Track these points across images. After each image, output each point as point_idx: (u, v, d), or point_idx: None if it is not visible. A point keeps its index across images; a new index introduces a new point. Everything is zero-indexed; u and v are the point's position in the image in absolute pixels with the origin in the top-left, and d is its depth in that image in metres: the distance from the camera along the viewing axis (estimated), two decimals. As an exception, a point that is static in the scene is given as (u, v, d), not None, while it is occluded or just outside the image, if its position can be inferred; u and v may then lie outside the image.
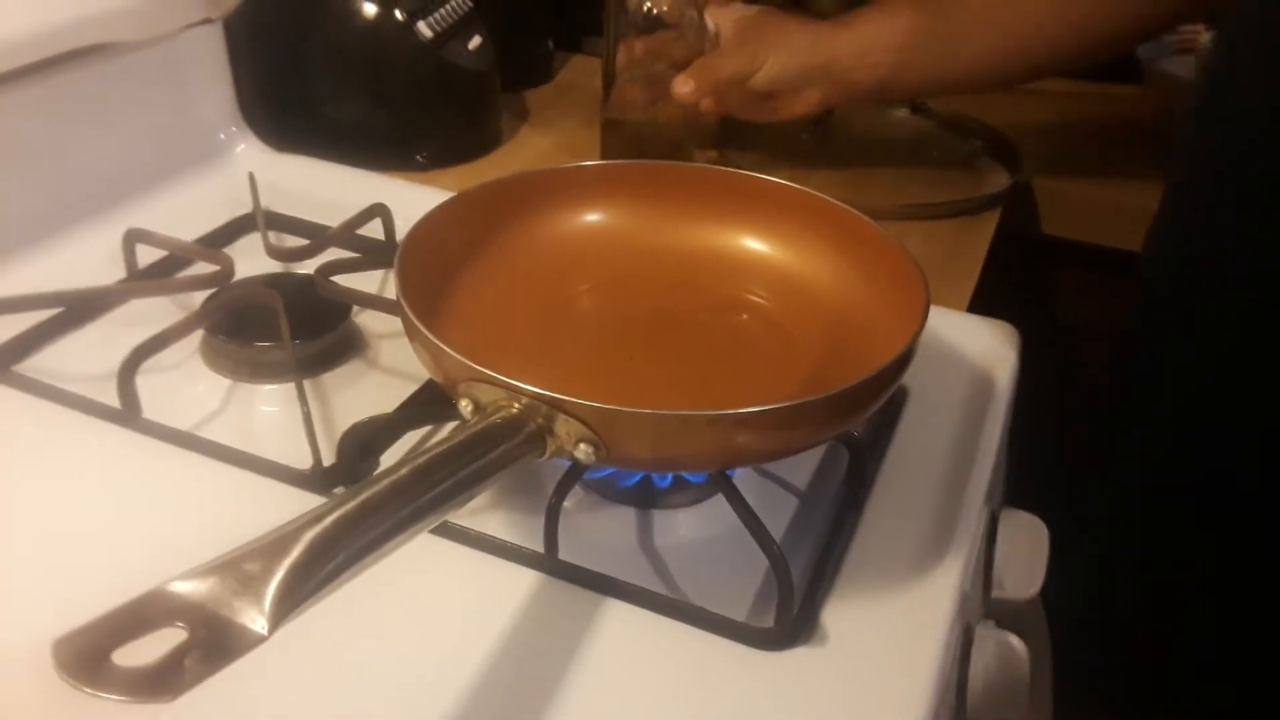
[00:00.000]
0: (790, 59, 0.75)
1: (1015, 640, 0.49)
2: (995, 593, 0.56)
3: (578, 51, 1.08)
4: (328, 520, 0.33)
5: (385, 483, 0.35)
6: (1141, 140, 0.96)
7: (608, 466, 0.47)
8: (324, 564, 0.31)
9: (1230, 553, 0.65)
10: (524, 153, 0.88)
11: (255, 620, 0.29)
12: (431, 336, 0.44)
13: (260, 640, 0.28)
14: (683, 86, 0.76)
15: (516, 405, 0.41)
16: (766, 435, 0.43)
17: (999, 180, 0.87)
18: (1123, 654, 0.71)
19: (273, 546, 0.31)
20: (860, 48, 0.75)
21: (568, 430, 0.41)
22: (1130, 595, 0.71)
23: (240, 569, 0.30)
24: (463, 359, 0.43)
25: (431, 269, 0.53)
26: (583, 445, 0.41)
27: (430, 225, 0.53)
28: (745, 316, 0.57)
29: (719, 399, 0.49)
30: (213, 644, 0.28)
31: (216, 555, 0.44)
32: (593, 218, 0.60)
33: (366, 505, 0.34)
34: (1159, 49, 1.05)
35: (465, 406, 0.43)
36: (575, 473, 0.47)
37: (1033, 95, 1.02)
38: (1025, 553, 0.58)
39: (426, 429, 0.54)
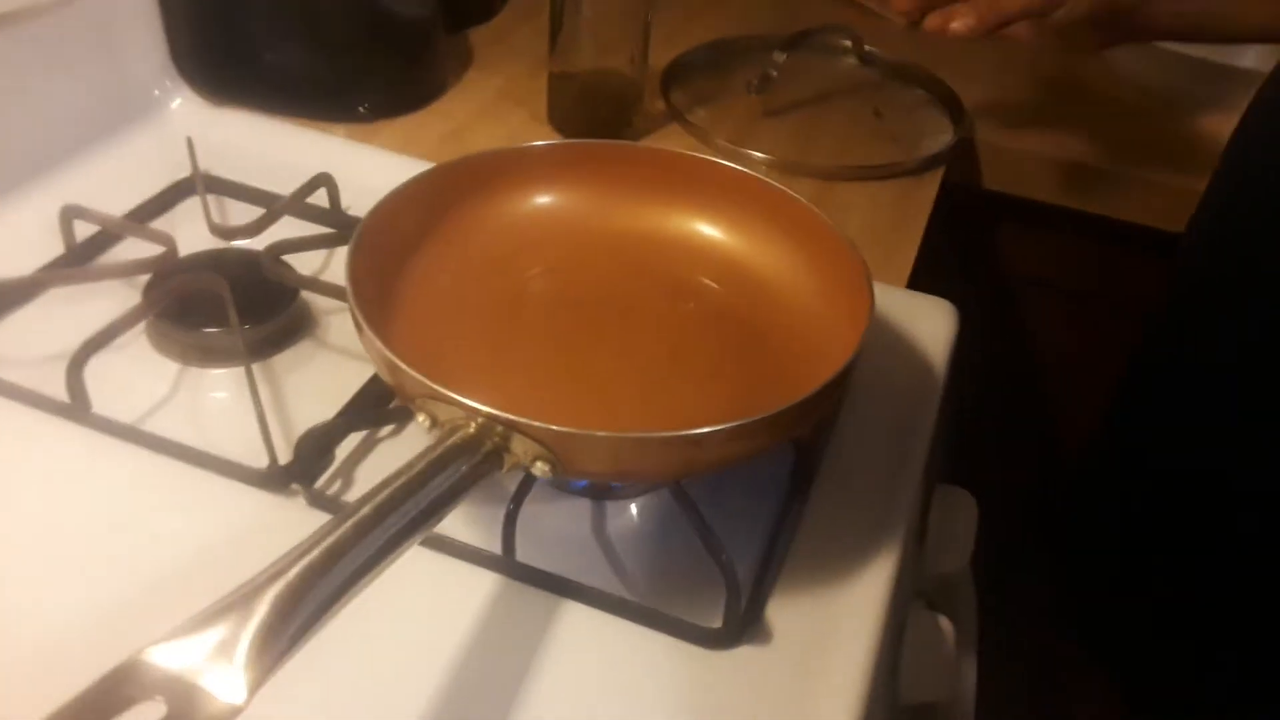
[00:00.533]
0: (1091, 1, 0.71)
1: (944, 621, 0.52)
2: (928, 566, 0.59)
3: (522, -19, 1.05)
4: (292, 573, 0.34)
5: (349, 524, 0.36)
6: (1087, 94, 0.97)
7: (564, 479, 0.48)
8: (292, 620, 0.32)
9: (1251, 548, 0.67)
10: (468, 102, 0.86)
11: (233, 689, 0.30)
12: (388, 352, 0.44)
13: (237, 710, 0.29)
14: (961, 22, 0.72)
15: (473, 424, 0.42)
16: (718, 450, 0.44)
17: (943, 136, 0.87)
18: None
19: (240, 605, 0.32)
20: None
21: (524, 448, 0.42)
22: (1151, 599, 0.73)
23: (211, 633, 0.31)
24: (420, 377, 0.43)
25: (383, 257, 0.53)
26: (539, 462, 0.43)
27: (380, 216, 0.53)
28: (694, 305, 0.57)
29: (671, 403, 0.51)
30: (192, 716, 0.29)
31: (178, 563, 0.45)
32: (544, 199, 0.60)
33: (332, 551, 0.35)
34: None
35: (423, 421, 0.44)
36: (531, 479, 0.48)
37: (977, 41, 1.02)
38: (956, 526, 0.61)
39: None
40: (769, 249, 0.58)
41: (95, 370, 0.53)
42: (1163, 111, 0.95)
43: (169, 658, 0.30)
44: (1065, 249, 0.95)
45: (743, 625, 0.46)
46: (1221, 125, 0.92)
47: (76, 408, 0.52)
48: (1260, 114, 0.66)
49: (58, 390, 0.52)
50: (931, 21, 0.79)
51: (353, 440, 0.53)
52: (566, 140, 0.75)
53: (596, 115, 0.82)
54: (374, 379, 0.56)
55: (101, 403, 0.53)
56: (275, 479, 0.50)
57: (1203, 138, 0.92)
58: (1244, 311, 0.64)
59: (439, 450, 0.41)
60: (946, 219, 0.85)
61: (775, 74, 0.87)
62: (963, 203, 0.90)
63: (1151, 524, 0.72)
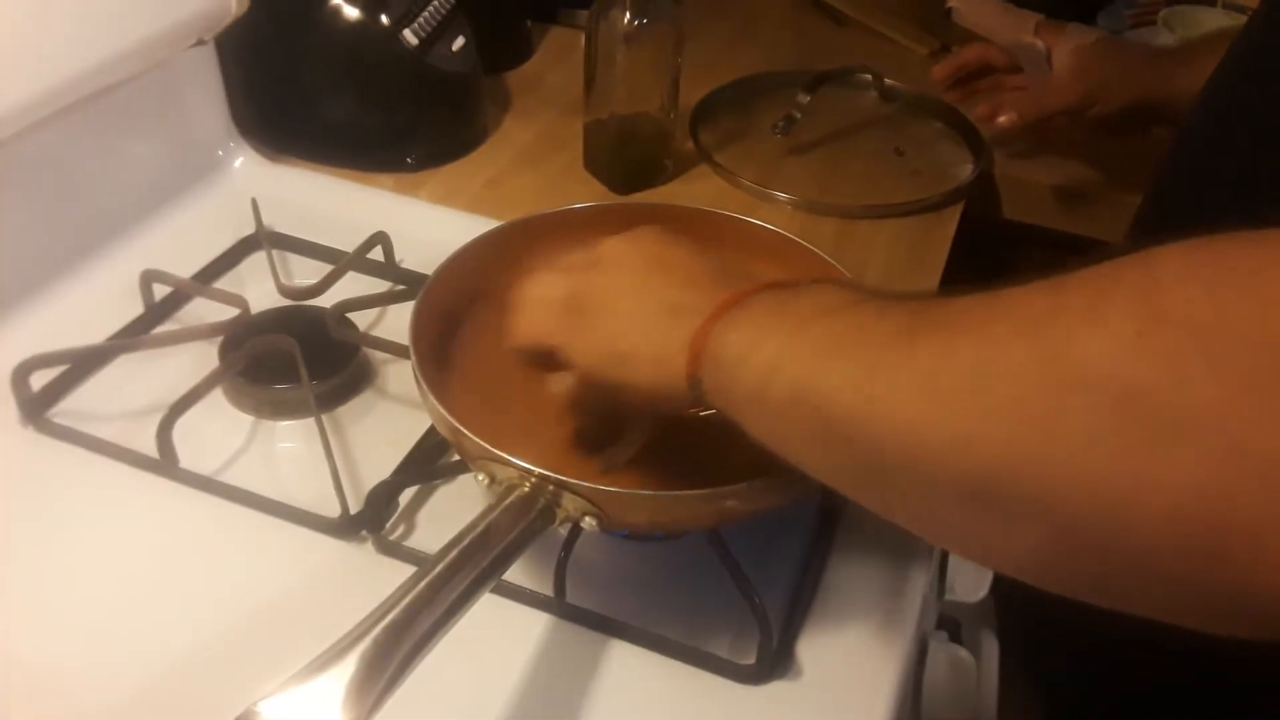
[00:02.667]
0: (1125, 98, 0.76)
1: (964, 653, 0.56)
2: (947, 596, 0.63)
3: (554, 23, 1.10)
4: (377, 630, 0.38)
5: (425, 582, 0.41)
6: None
7: (610, 531, 0.52)
8: (380, 674, 0.37)
9: None
10: (508, 149, 0.91)
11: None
12: (450, 417, 0.49)
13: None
14: (1006, 118, 0.80)
15: (528, 484, 0.47)
16: (749, 503, 0.48)
17: (963, 169, 0.91)
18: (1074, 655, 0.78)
19: (334, 661, 0.37)
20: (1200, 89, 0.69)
21: (574, 505, 0.47)
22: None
23: (311, 687, 0.36)
24: (480, 441, 0.48)
25: (440, 319, 0.58)
26: (588, 518, 0.47)
27: (438, 283, 0.57)
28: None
29: (706, 454, 0.55)
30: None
31: (259, 609, 0.50)
32: (584, 258, 0.65)
33: (411, 608, 0.40)
34: (1117, 22, 1.09)
35: (481, 479, 0.49)
36: (580, 529, 0.53)
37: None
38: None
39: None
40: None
41: (178, 425, 0.58)
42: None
43: (277, 711, 0.35)
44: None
45: (774, 662, 0.50)
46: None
47: (165, 464, 0.57)
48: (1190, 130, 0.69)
49: (146, 446, 0.58)
50: (982, 111, 0.89)
51: (414, 487, 0.58)
52: (605, 202, 0.79)
53: (630, 160, 0.87)
54: (432, 429, 0.60)
55: (184, 456, 0.58)
56: (347, 527, 0.55)
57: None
58: None
59: (499, 509, 0.46)
60: (967, 248, 0.88)
61: (799, 115, 0.91)
62: (982, 230, 0.94)
63: None
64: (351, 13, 0.80)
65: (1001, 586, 0.63)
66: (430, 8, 0.84)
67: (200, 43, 0.74)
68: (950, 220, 0.86)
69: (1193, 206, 0.63)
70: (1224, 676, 0.70)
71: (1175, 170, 0.66)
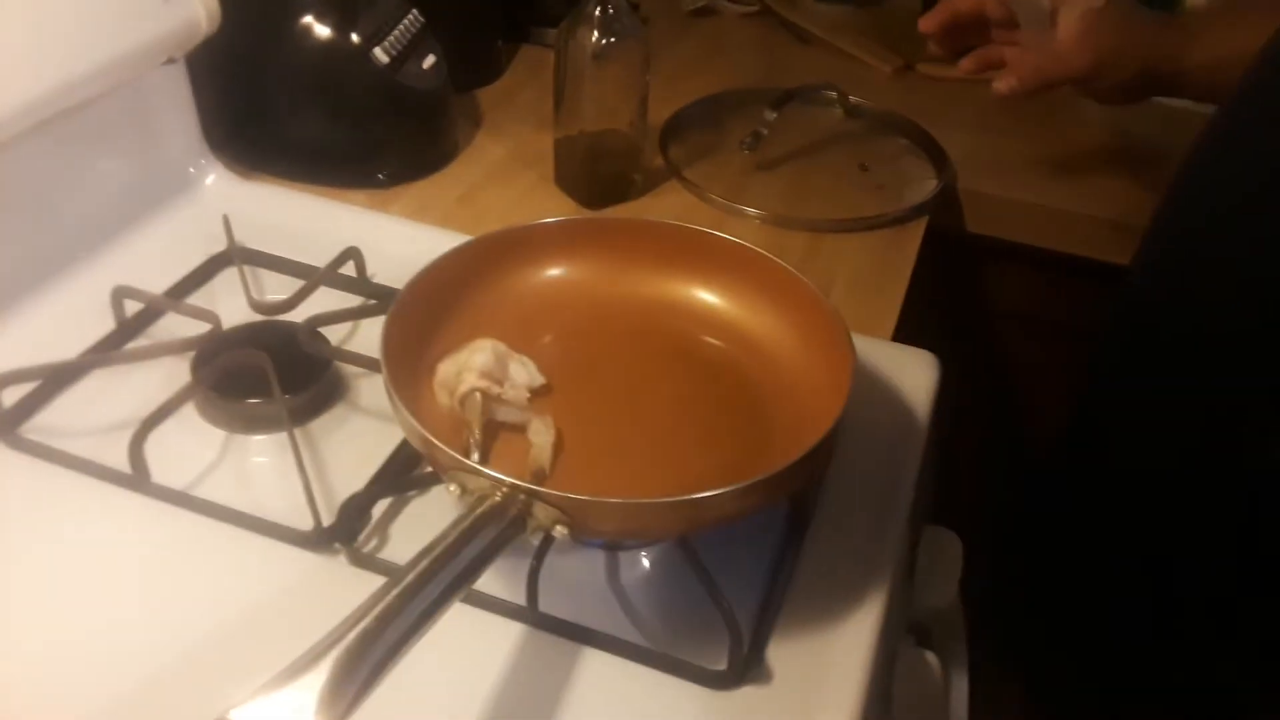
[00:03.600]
0: (1133, 68, 0.72)
1: (932, 657, 0.57)
2: (916, 601, 0.64)
3: (525, 42, 1.11)
4: (349, 638, 0.39)
5: (396, 591, 0.41)
6: (1063, 140, 1.02)
7: (581, 539, 0.53)
8: (352, 681, 0.38)
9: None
10: (479, 165, 0.92)
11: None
12: (421, 429, 0.50)
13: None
14: (1004, 83, 0.74)
15: (499, 493, 0.47)
16: (717, 510, 0.49)
17: (926, 184, 0.93)
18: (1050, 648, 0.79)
19: (305, 669, 0.37)
20: (1213, 59, 0.70)
21: (545, 514, 0.48)
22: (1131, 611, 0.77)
23: (284, 695, 0.36)
24: (451, 452, 0.48)
25: (411, 333, 0.58)
26: (559, 526, 0.48)
27: (408, 299, 0.58)
28: (693, 366, 0.63)
29: (675, 462, 0.56)
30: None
31: (233, 622, 0.50)
32: (555, 271, 0.66)
33: (383, 616, 0.40)
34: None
35: (453, 489, 0.49)
36: (552, 538, 0.53)
37: (960, 87, 1.07)
38: (942, 565, 0.66)
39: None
40: (762, 314, 0.63)
41: (150, 440, 0.58)
42: (1131, 155, 1.01)
43: (250, 718, 0.35)
44: (1046, 285, 1.01)
45: (745, 667, 0.51)
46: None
47: (137, 478, 0.57)
48: (1203, 149, 0.70)
49: (118, 461, 0.58)
50: (968, 64, 0.84)
51: (386, 500, 0.59)
52: (574, 217, 0.80)
53: (600, 175, 0.88)
54: (405, 443, 0.61)
55: (156, 471, 0.58)
56: (320, 540, 0.55)
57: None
58: (1189, 337, 0.68)
59: (470, 519, 0.46)
60: (931, 260, 0.90)
61: (766, 131, 0.93)
62: (946, 243, 0.95)
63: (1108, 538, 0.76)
64: (322, 31, 0.81)
65: (974, 588, 0.65)
66: (400, 26, 0.85)
67: (171, 60, 0.75)
68: (915, 234, 0.88)
69: (1232, 181, 0.62)
70: (1208, 667, 0.71)
71: (1216, 144, 0.65)
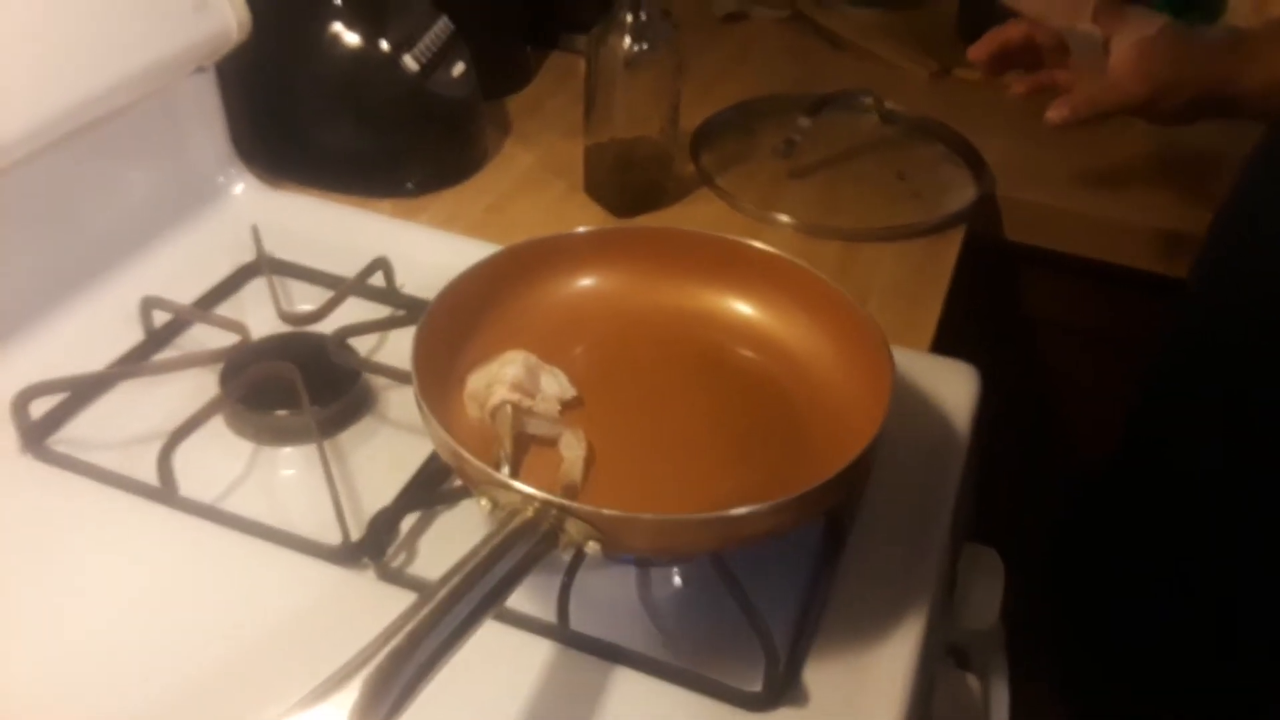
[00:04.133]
0: (1190, 94, 0.71)
1: (971, 680, 0.56)
2: (957, 622, 0.62)
3: (554, 48, 1.10)
4: (380, 656, 0.38)
5: (428, 609, 0.40)
6: (1105, 145, 1.00)
7: (614, 555, 0.52)
8: (383, 701, 0.37)
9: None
10: (508, 173, 0.91)
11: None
12: (453, 442, 0.49)
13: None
14: (1057, 113, 0.74)
15: (531, 509, 0.46)
16: (752, 527, 0.48)
17: (965, 192, 0.91)
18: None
19: (335, 689, 0.36)
20: (1269, 83, 0.69)
21: (577, 529, 0.46)
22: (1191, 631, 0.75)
23: (313, 715, 0.35)
24: (483, 466, 0.47)
25: (441, 344, 0.58)
26: (591, 542, 0.47)
27: (439, 310, 0.57)
28: (727, 377, 0.61)
29: (709, 478, 0.55)
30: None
31: (261, 637, 0.49)
32: (586, 281, 0.65)
33: (414, 635, 0.39)
34: None
35: (484, 505, 0.48)
36: (584, 554, 0.52)
37: (999, 92, 1.06)
38: (983, 586, 0.64)
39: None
40: (797, 325, 0.62)
41: (178, 452, 0.57)
42: (1176, 163, 0.98)
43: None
44: (1087, 294, 0.99)
45: (781, 688, 0.49)
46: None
47: (166, 491, 0.57)
48: (1261, 161, 0.68)
49: (147, 474, 0.57)
50: (1020, 88, 0.82)
51: (415, 514, 0.58)
52: (604, 226, 0.79)
53: (631, 183, 0.87)
54: (433, 456, 0.60)
55: (184, 484, 0.58)
56: (348, 555, 0.54)
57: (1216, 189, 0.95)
58: (1247, 348, 0.67)
59: (502, 535, 0.45)
60: (969, 268, 0.88)
61: (799, 138, 0.91)
62: (985, 251, 0.93)
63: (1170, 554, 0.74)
64: (352, 39, 0.80)
65: (1014, 605, 0.63)
66: (430, 34, 0.84)
67: (200, 70, 0.75)
68: (953, 243, 0.86)
69: None
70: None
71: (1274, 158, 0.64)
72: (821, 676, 0.51)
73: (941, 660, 0.57)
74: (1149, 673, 0.78)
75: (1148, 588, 0.76)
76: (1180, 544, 0.72)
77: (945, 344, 0.75)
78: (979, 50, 0.83)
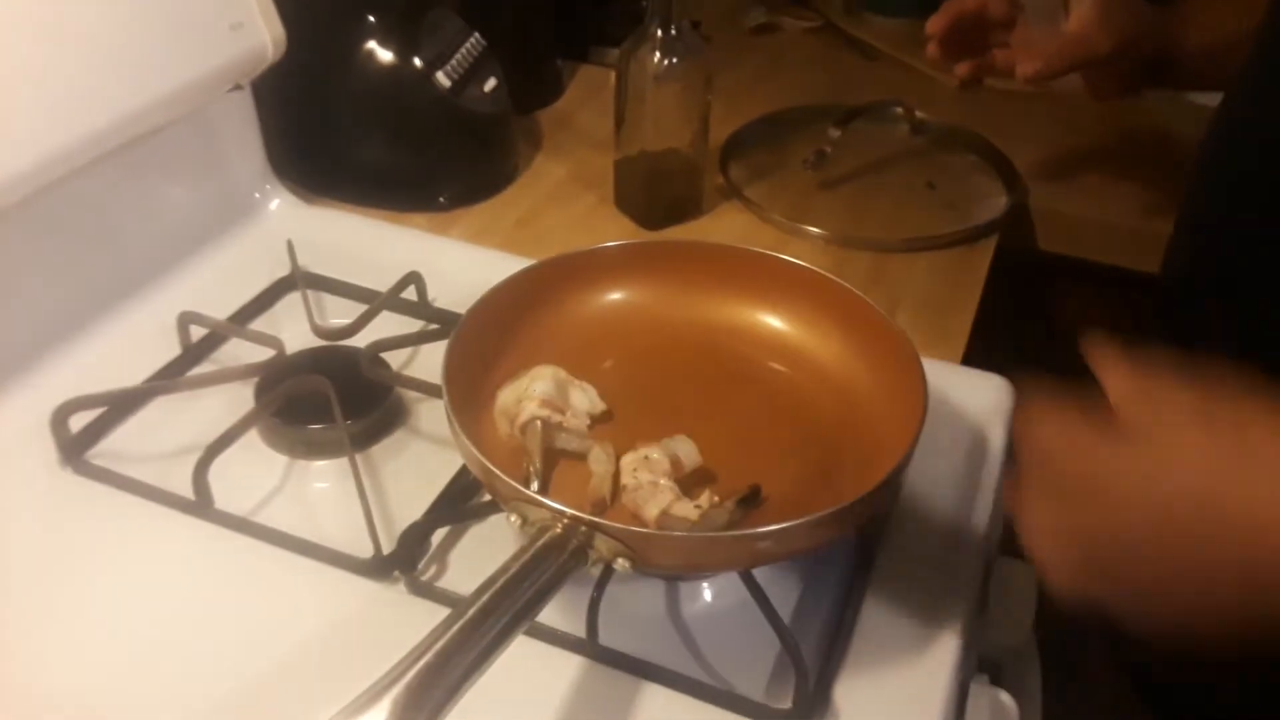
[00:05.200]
0: (1144, 50, 0.73)
1: (1005, 697, 0.55)
2: (989, 636, 0.62)
3: (584, 62, 1.11)
4: (410, 675, 0.38)
5: (458, 626, 0.41)
6: (1137, 153, 0.99)
7: (643, 571, 0.52)
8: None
9: None
10: (539, 187, 0.91)
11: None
12: (483, 458, 0.49)
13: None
14: (1029, 66, 0.75)
15: (560, 525, 0.46)
16: (782, 545, 0.48)
17: (996, 202, 0.90)
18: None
19: (364, 708, 0.37)
20: (1208, 44, 0.72)
21: (607, 546, 0.47)
22: None
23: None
24: (513, 483, 0.48)
25: (473, 358, 0.58)
26: (620, 559, 0.47)
27: (470, 326, 0.58)
28: (758, 390, 0.61)
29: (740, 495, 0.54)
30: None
31: (293, 649, 0.49)
32: (615, 295, 0.65)
33: (444, 652, 0.39)
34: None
35: (514, 520, 0.49)
36: (613, 569, 0.52)
37: (1027, 100, 1.05)
38: (1016, 600, 0.63)
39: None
40: (827, 338, 0.62)
41: (213, 466, 0.58)
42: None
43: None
44: (1121, 304, 0.97)
45: (811, 705, 0.49)
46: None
47: (201, 504, 0.58)
48: (1210, 142, 0.67)
49: (182, 487, 0.58)
50: (962, 70, 0.84)
51: (446, 527, 0.58)
52: (634, 240, 0.80)
53: (660, 196, 0.87)
54: (464, 469, 0.60)
55: (219, 497, 0.58)
56: (380, 568, 0.55)
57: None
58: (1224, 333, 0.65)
59: (532, 551, 0.45)
60: (1001, 279, 0.87)
61: (829, 150, 0.91)
62: (1017, 262, 0.93)
63: None
64: (385, 56, 0.81)
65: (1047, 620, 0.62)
66: (463, 50, 0.85)
67: (237, 87, 0.76)
68: (985, 253, 0.86)
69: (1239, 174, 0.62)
70: None
71: (1226, 133, 0.64)
72: (853, 693, 0.50)
73: (974, 676, 0.57)
74: (1183, 692, 0.76)
75: None
76: None
77: (977, 356, 0.74)
78: (936, 23, 0.84)
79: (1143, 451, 0.40)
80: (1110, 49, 0.75)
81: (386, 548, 0.55)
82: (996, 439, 0.65)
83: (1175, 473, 0.39)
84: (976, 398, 0.67)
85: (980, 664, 0.59)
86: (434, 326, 0.70)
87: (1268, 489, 0.37)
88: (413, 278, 0.71)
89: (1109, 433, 0.41)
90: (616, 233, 0.85)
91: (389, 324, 0.70)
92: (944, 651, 0.53)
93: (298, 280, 0.73)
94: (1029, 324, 1.00)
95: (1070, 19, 0.78)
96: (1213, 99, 0.74)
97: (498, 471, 0.48)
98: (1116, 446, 0.40)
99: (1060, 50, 0.77)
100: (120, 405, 0.64)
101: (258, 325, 0.71)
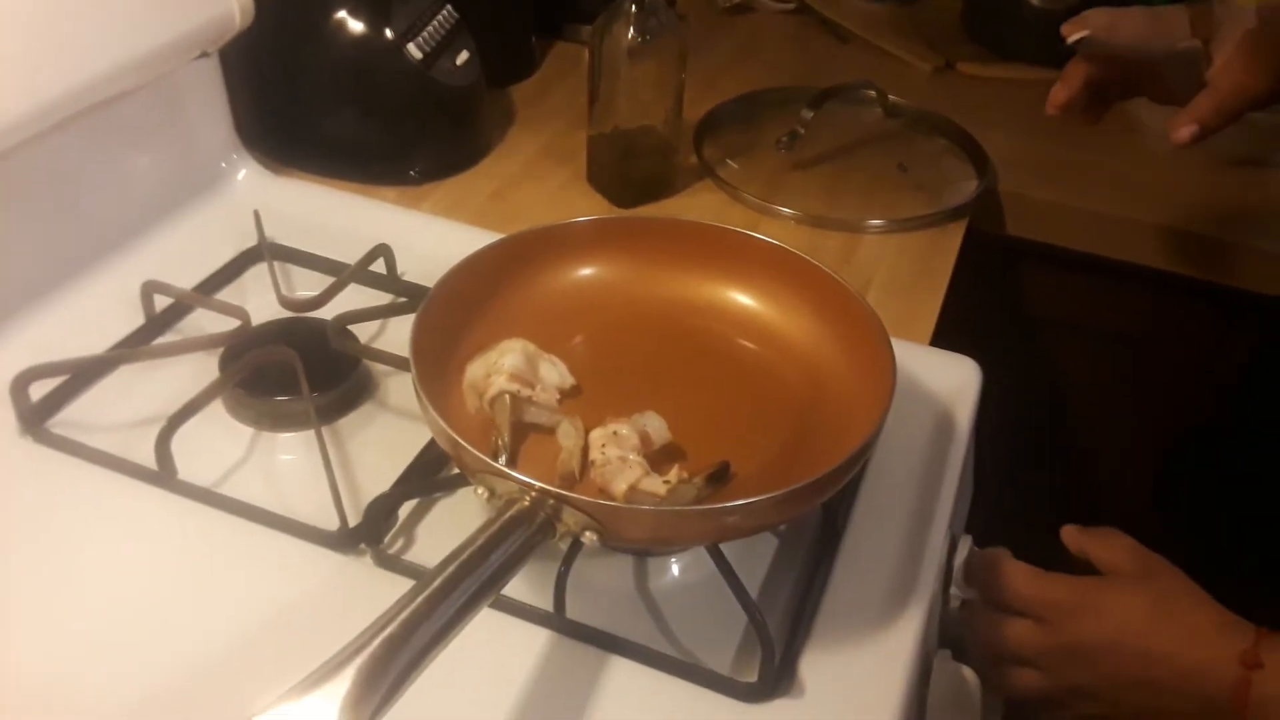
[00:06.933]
0: None
1: (967, 671, 0.56)
2: (951, 612, 0.62)
3: (558, 38, 1.10)
4: (374, 645, 0.38)
5: (422, 597, 0.40)
6: (1107, 142, 0.99)
7: (611, 545, 0.52)
8: (376, 689, 0.37)
9: None
10: (511, 162, 0.91)
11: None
12: (450, 431, 0.49)
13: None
14: (1185, 130, 0.70)
15: (528, 498, 0.46)
16: (750, 519, 0.48)
17: (966, 186, 0.91)
18: None
19: (328, 677, 0.36)
20: None
21: (574, 519, 0.47)
22: None
23: (306, 703, 0.35)
24: (480, 455, 0.47)
25: (441, 332, 0.57)
26: (588, 532, 0.47)
27: (438, 298, 0.57)
28: (728, 367, 0.61)
29: (708, 469, 0.55)
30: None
31: (258, 622, 0.49)
32: (585, 271, 0.64)
33: (409, 623, 0.39)
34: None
35: (481, 493, 0.48)
36: (580, 543, 0.52)
37: (1002, 86, 1.06)
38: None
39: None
40: (798, 316, 0.62)
41: (177, 436, 0.57)
42: (1176, 159, 0.98)
43: (273, 728, 0.35)
44: (1088, 289, 0.98)
45: (776, 679, 0.49)
46: (1237, 174, 0.95)
47: (164, 475, 0.57)
48: None
49: (145, 457, 0.57)
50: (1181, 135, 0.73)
51: (413, 500, 0.58)
52: (606, 216, 0.79)
53: (634, 174, 0.87)
54: (432, 443, 0.60)
55: (183, 468, 0.58)
56: (345, 541, 0.55)
57: (1219, 186, 0.95)
58: None
59: (499, 523, 0.45)
60: (971, 262, 0.88)
61: (803, 131, 0.91)
62: (986, 245, 0.93)
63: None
64: (356, 26, 0.80)
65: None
66: (435, 22, 0.84)
67: (204, 55, 0.74)
68: (954, 236, 0.86)
69: None
70: None
71: None
72: (818, 667, 0.51)
73: (936, 651, 0.57)
74: None
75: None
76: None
77: (946, 337, 0.75)
78: (1060, 96, 0.79)
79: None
80: (1267, 88, 0.69)
81: (353, 520, 0.55)
82: (963, 419, 0.66)
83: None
84: (944, 378, 0.68)
85: (942, 639, 0.60)
86: (403, 300, 0.70)
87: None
88: (382, 250, 0.71)
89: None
90: (588, 209, 0.85)
91: (357, 297, 0.70)
92: (907, 627, 0.53)
93: (264, 251, 0.72)
94: (998, 307, 1.01)
95: (1215, 66, 0.72)
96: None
97: (465, 444, 0.48)
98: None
99: (1216, 106, 0.70)
100: (82, 374, 0.63)
101: (224, 296, 0.70)
